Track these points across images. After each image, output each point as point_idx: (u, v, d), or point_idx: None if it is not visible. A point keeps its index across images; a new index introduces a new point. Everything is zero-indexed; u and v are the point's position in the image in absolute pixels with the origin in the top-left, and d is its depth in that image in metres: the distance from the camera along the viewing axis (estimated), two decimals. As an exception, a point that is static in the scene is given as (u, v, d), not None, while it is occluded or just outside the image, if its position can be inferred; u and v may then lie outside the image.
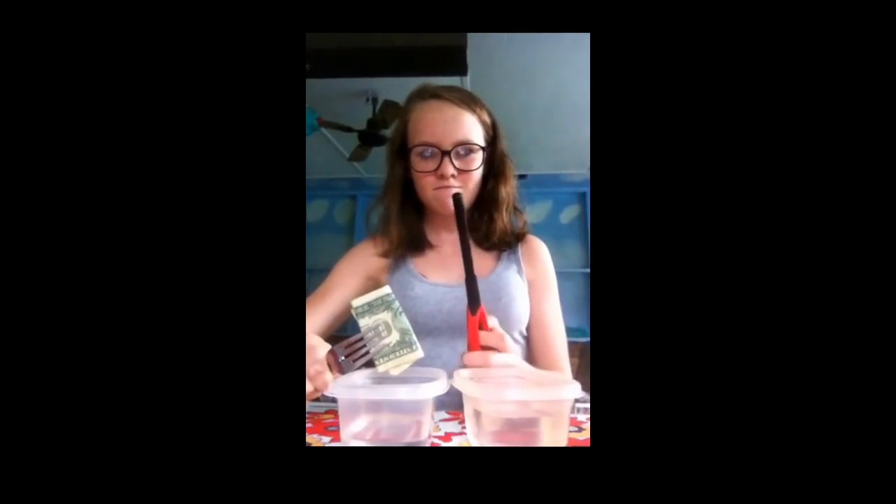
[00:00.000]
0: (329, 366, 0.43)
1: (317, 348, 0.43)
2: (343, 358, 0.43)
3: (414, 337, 0.44)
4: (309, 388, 0.43)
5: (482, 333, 0.52)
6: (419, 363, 0.45)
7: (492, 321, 0.54)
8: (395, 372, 0.44)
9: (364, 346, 0.44)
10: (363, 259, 0.80)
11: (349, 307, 0.47)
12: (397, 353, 0.44)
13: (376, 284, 0.78)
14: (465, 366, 0.51)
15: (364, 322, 0.44)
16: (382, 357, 0.44)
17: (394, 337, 0.44)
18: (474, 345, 0.52)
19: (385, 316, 0.44)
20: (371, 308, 0.45)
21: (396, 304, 0.45)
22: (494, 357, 0.51)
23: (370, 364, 0.44)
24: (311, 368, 0.42)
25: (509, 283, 0.74)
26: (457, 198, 0.54)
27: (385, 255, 0.78)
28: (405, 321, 0.44)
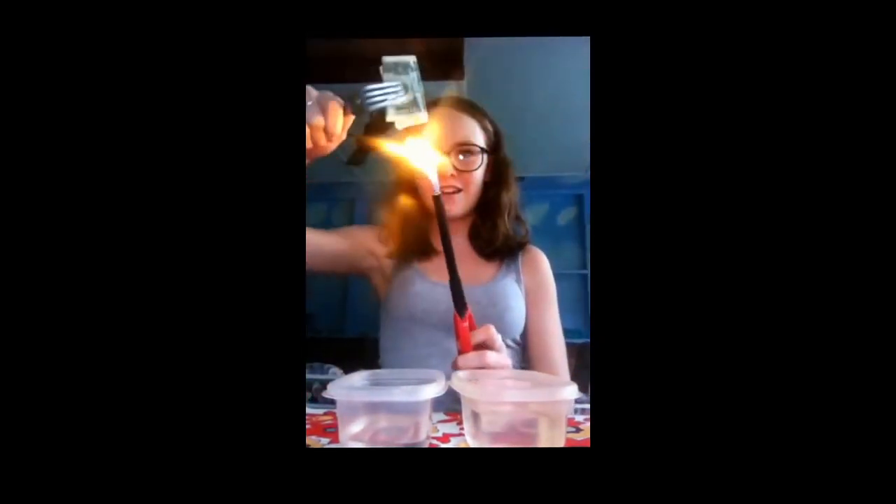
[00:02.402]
0: (344, 110, 0.46)
1: (333, 95, 0.46)
2: (358, 102, 0.47)
3: (424, 104, 0.49)
4: (314, 140, 0.46)
5: (472, 332, 0.52)
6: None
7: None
8: (398, 126, 0.49)
9: (383, 95, 0.48)
10: (372, 241, 0.81)
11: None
12: (409, 111, 0.49)
13: (377, 261, 0.79)
14: (459, 368, 0.50)
15: (388, 77, 0.49)
16: (395, 110, 0.48)
17: (409, 97, 0.49)
18: (466, 347, 0.51)
19: (406, 78, 0.49)
20: (397, 67, 0.49)
21: (418, 73, 0.49)
22: (490, 355, 0.50)
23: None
24: (327, 105, 0.45)
25: (506, 291, 0.74)
26: (437, 199, 0.53)
27: (390, 256, 0.79)
28: (421, 88, 0.49)
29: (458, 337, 0.52)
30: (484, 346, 0.51)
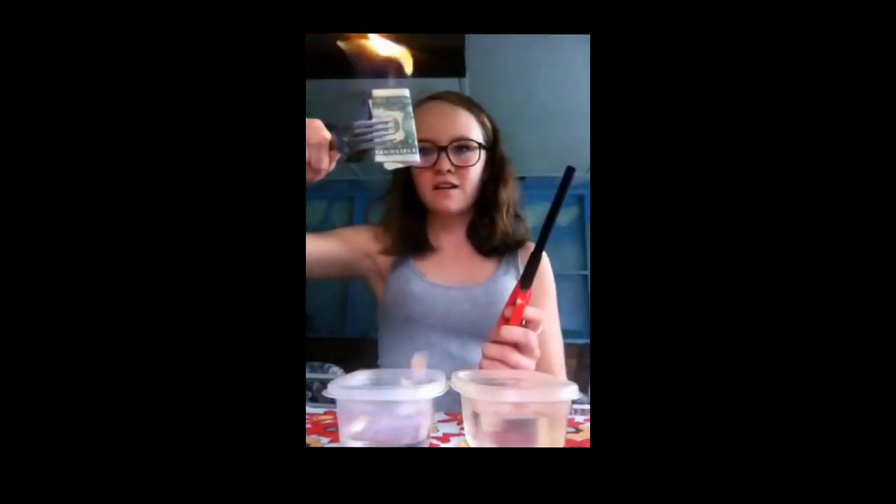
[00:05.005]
0: (331, 145, 0.44)
1: (321, 126, 0.45)
2: (346, 139, 0.45)
3: (416, 142, 0.46)
4: (307, 172, 0.44)
5: (516, 329, 0.52)
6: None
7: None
8: (388, 166, 0.47)
9: (371, 133, 0.45)
10: (368, 241, 0.80)
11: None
12: (398, 151, 0.46)
13: (374, 262, 0.78)
14: (498, 339, 0.51)
15: (378, 113, 0.46)
16: (384, 150, 0.46)
17: (399, 136, 0.46)
18: (515, 319, 0.52)
19: (397, 115, 0.46)
20: (388, 102, 0.46)
21: (410, 108, 0.46)
22: (516, 356, 0.51)
23: (360, 155, 0.47)
24: (313, 138, 0.44)
25: (505, 289, 0.74)
26: (568, 168, 0.52)
27: (387, 252, 0.78)
28: (413, 126, 0.46)
29: (508, 304, 0.53)
30: (518, 346, 0.52)
